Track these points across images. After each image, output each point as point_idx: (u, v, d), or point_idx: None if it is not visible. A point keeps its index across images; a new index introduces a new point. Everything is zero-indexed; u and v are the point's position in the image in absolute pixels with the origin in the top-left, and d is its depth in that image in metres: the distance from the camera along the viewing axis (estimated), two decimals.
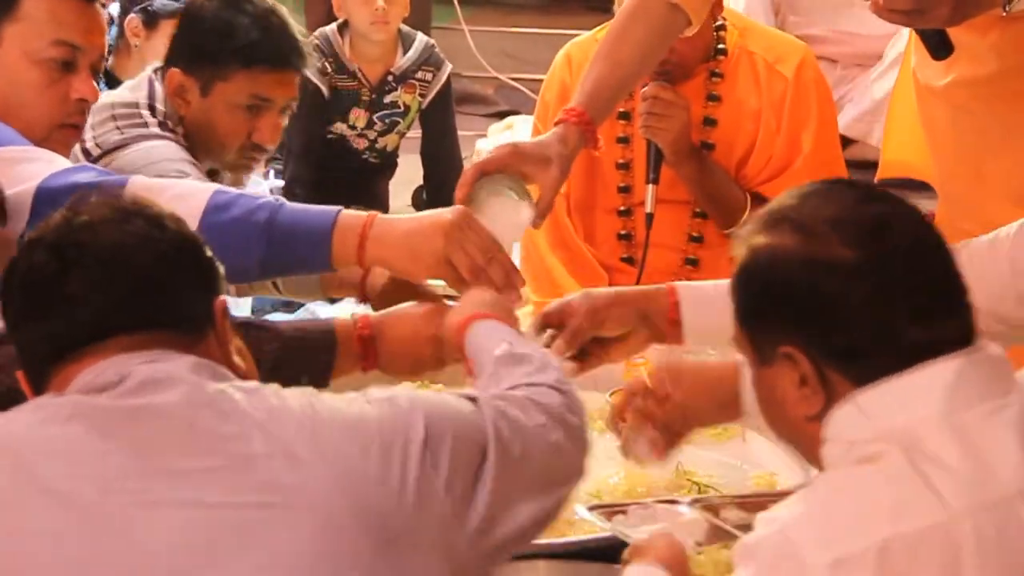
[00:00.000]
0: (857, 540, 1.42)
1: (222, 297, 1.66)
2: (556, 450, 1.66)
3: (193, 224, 1.78)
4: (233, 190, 2.29)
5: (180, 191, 2.20)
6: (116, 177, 2.29)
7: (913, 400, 1.49)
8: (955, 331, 1.53)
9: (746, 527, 1.70)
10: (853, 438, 1.50)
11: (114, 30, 4.29)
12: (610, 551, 2.03)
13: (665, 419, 2.08)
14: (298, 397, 1.55)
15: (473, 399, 1.65)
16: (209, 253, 1.66)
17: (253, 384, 1.58)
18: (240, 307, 3.93)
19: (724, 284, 2.28)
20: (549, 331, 2.25)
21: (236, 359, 1.66)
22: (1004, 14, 2.33)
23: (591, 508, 2.11)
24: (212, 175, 2.88)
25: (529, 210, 2.34)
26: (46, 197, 2.15)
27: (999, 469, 1.46)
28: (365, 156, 5.08)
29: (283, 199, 2.22)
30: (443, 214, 2.18)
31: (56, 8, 2.45)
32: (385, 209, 5.19)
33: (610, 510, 2.11)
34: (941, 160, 2.98)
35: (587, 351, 2.26)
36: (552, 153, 2.38)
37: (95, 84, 2.54)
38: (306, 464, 1.47)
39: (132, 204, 1.65)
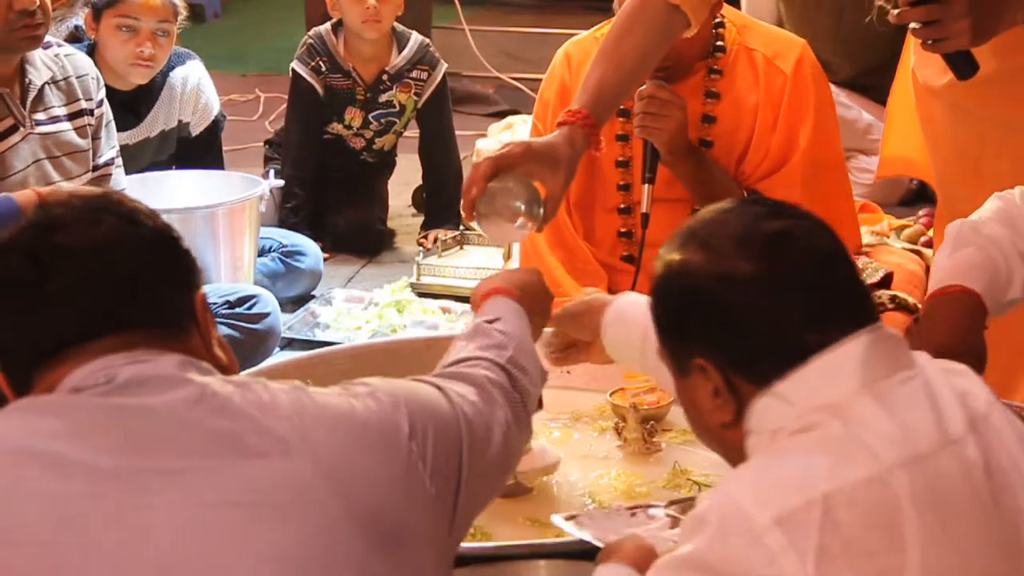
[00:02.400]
0: (799, 495, 1.47)
1: (201, 290, 1.64)
2: (507, 431, 1.73)
3: None
4: None
5: None
6: None
7: (832, 377, 1.55)
8: (851, 327, 1.58)
9: None
10: (776, 426, 1.56)
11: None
12: None
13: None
14: (288, 392, 1.54)
15: (438, 387, 1.68)
16: (185, 246, 1.64)
17: (242, 378, 1.56)
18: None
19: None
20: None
21: (218, 352, 1.64)
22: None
23: (567, 517, 2.11)
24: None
25: (535, 216, 2.32)
26: None
27: (919, 428, 1.53)
28: (363, 156, 5.07)
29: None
30: None
31: None
32: (385, 209, 5.18)
33: (584, 517, 2.11)
34: (940, 159, 2.98)
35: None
36: (561, 155, 2.38)
37: None
38: (298, 461, 1.46)
39: (103, 201, 1.61)
